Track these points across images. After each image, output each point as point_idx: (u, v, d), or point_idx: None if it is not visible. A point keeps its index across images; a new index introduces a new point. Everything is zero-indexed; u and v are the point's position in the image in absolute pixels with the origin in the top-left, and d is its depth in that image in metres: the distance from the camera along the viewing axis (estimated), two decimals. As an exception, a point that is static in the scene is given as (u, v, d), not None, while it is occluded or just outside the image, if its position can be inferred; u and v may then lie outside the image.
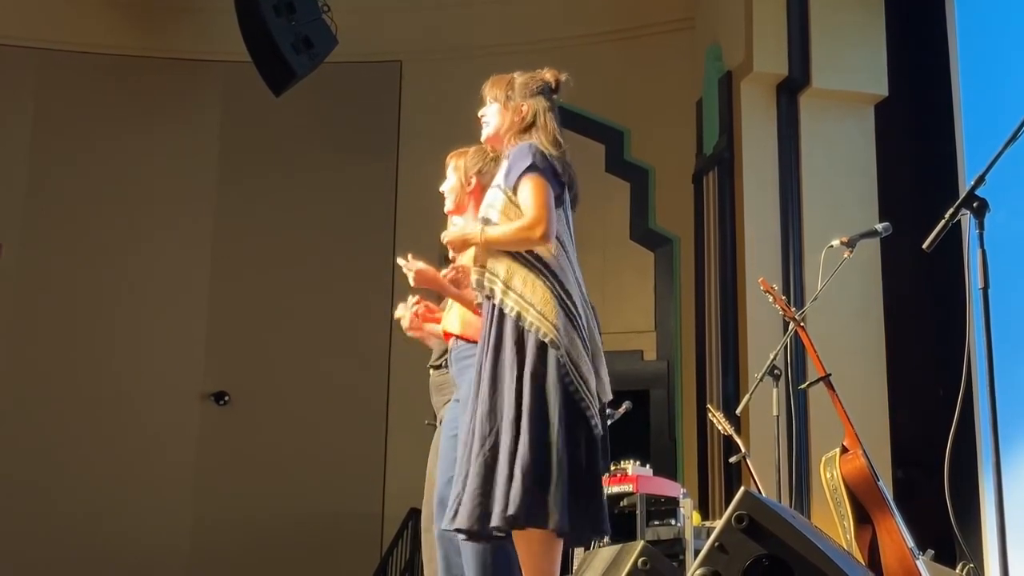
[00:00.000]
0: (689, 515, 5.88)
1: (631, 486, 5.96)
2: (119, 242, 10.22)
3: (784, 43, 8.25)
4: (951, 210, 2.90)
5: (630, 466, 6.03)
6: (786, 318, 5.11)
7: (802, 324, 4.82)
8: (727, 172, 8.47)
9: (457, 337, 3.72)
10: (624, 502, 5.95)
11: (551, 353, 3.15)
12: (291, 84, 9.29)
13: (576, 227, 3.40)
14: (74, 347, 10.01)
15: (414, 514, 8.67)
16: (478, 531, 3.12)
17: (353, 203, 10.41)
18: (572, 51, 9.51)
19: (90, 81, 10.34)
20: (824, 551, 2.76)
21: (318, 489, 9.79)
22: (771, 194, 8.23)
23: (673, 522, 5.94)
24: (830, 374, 4.56)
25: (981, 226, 2.88)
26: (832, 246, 4.82)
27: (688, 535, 5.82)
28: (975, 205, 2.89)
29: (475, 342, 3.51)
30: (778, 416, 5.19)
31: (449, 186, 3.82)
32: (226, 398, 10.12)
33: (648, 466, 6.22)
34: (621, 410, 5.40)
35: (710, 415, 6.33)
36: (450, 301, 3.81)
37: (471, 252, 3.35)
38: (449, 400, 3.86)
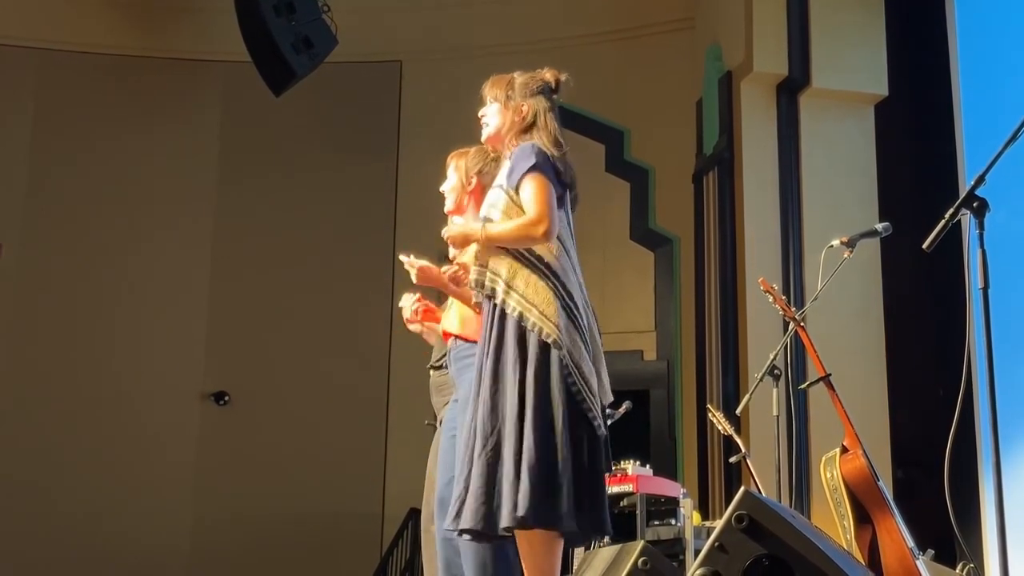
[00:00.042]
0: (689, 515, 5.88)
1: (631, 486, 5.96)
2: (119, 242, 10.22)
3: (784, 43, 8.25)
4: (951, 210, 2.90)
5: (630, 466, 6.03)
6: (786, 318, 5.11)
7: (802, 324, 4.82)
8: (727, 172, 8.47)
9: (456, 337, 3.71)
10: (624, 502, 5.95)
11: (553, 354, 3.16)
12: (291, 84, 9.29)
13: (576, 227, 3.41)
14: (74, 347, 10.01)
15: (414, 514, 8.68)
16: (482, 531, 3.12)
17: (353, 203, 10.41)
18: (572, 51, 9.51)
19: (90, 81, 10.34)
20: (824, 551, 2.76)
21: (318, 489, 9.79)
22: (771, 194, 8.23)
23: (673, 522, 5.94)
24: (830, 374, 4.56)
25: (981, 226, 2.88)
26: (832, 246, 4.82)
27: (688, 535, 5.82)
28: (975, 205, 2.89)
29: (474, 342, 3.51)
30: (778, 416, 5.19)
31: (450, 186, 3.82)
32: (226, 398, 10.12)
33: (648, 466, 6.22)
34: (621, 410, 5.40)
35: (710, 415, 6.33)
36: (450, 300, 3.81)
37: (472, 249, 3.35)
38: (449, 400, 3.86)
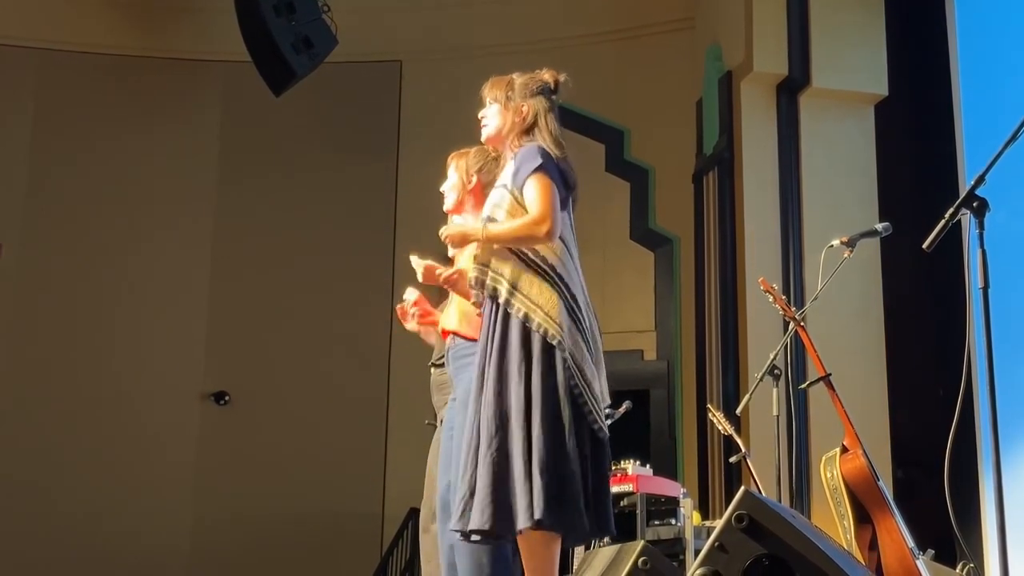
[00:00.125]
0: (689, 515, 5.88)
1: (631, 486, 5.96)
2: (119, 242, 10.22)
3: (784, 43, 8.25)
4: (951, 210, 2.90)
5: (630, 466, 6.03)
6: (786, 318, 5.11)
7: (802, 324, 4.82)
8: (727, 172, 8.47)
9: (455, 334, 3.71)
10: (624, 502, 5.95)
11: (557, 354, 3.16)
12: (291, 84, 9.29)
13: (576, 227, 3.41)
14: (74, 347, 10.01)
15: (414, 514, 8.67)
16: (489, 531, 3.12)
17: (353, 203, 10.41)
18: (572, 51, 9.51)
19: (90, 81, 10.34)
20: (824, 551, 2.76)
21: (318, 489, 9.79)
22: (771, 194, 8.23)
23: (673, 522, 5.94)
24: (830, 374, 4.56)
25: (981, 226, 2.88)
26: (832, 246, 4.82)
27: (688, 535, 5.82)
28: (975, 205, 2.89)
29: (473, 340, 3.51)
30: (778, 416, 5.19)
31: (450, 184, 3.83)
32: (226, 398, 10.12)
33: (648, 466, 6.22)
34: (621, 410, 5.40)
35: (710, 415, 6.33)
36: (450, 297, 3.81)
37: (470, 249, 3.36)
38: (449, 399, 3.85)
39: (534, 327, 3.18)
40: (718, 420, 6.04)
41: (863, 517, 4.26)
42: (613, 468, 5.89)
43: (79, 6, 10.27)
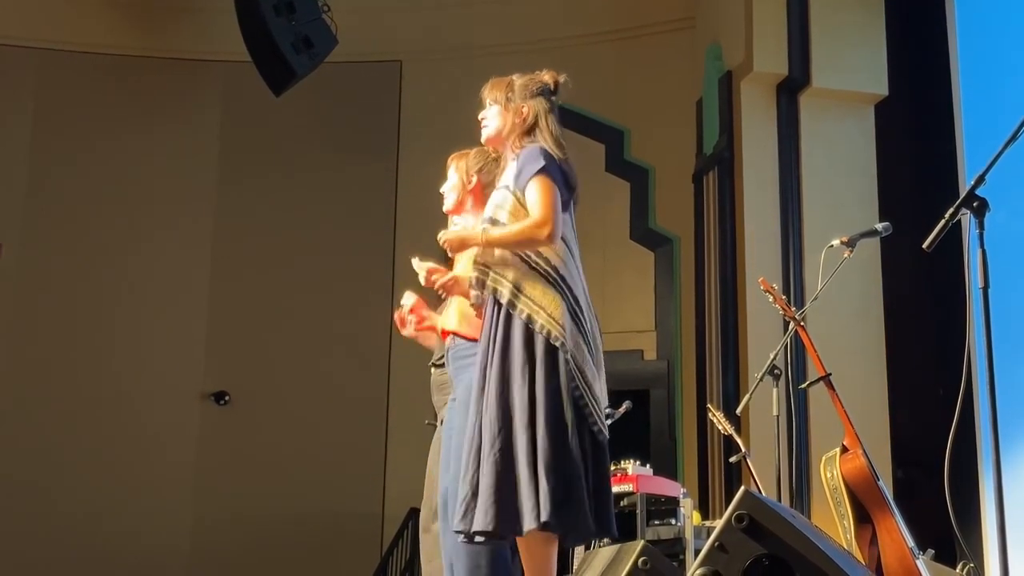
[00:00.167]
0: (689, 515, 5.88)
1: (631, 486, 5.96)
2: (119, 242, 10.22)
3: (784, 43, 8.25)
4: (951, 210, 2.90)
5: (630, 466, 6.03)
6: (786, 318, 5.11)
7: (802, 324, 4.82)
8: (727, 172, 8.47)
9: (454, 335, 3.71)
10: (624, 502, 5.95)
11: (560, 356, 3.17)
12: (291, 84, 9.29)
13: (576, 227, 3.41)
14: (74, 347, 10.01)
15: (414, 514, 8.67)
16: (492, 532, 3.12)
17: (353, 203, 10.41)
18: (572, 51, 9.51)
19: (90, 81, 10.34)
20: (824, 551, 2.76)
21: (318, 489, 9.79)
22: (771, 194, 8.23)
23: (673, 522, 5.94)
24: (830, 374, 4.56)
25: (981, 226, 2.88)
26: (832, 246, 4.82)
27: (688, 535, 5.82)
28: (975, 205, 2.89)
29: (474, 340, 3.51)
30: (778, 416, 5.19)
31: (450, 185, 3.82)
32: (226, 398, 10.12)
33: (648, 466, 6.22)
34: (621, 410, 5.40)
35: (710, 415, 6.33)
36: (450, 298, 3.80)
37: (470, 252, 3.35)
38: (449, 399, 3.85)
39: (537, 328, 3.18)
40: (718, 420, 6.04)
41: (863, 517, 4.26)
42: (613, 468, 5.89)
43: (79, 6, 10.27)
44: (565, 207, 3.32)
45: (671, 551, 5.70)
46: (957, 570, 4.92)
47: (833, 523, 4.34)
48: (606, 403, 3.33)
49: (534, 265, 3.26)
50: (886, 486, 4.38)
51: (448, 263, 3.70)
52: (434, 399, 4.16)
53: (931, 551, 5.15)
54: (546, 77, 3.48)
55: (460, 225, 3.82)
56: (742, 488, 2.87)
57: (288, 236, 10.32)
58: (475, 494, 3.15)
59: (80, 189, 10.25)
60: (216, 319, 10.23)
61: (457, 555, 3.42)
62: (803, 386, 5.48)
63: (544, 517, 3.04)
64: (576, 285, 3.28)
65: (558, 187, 3.28)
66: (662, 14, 9.83)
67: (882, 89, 8.25)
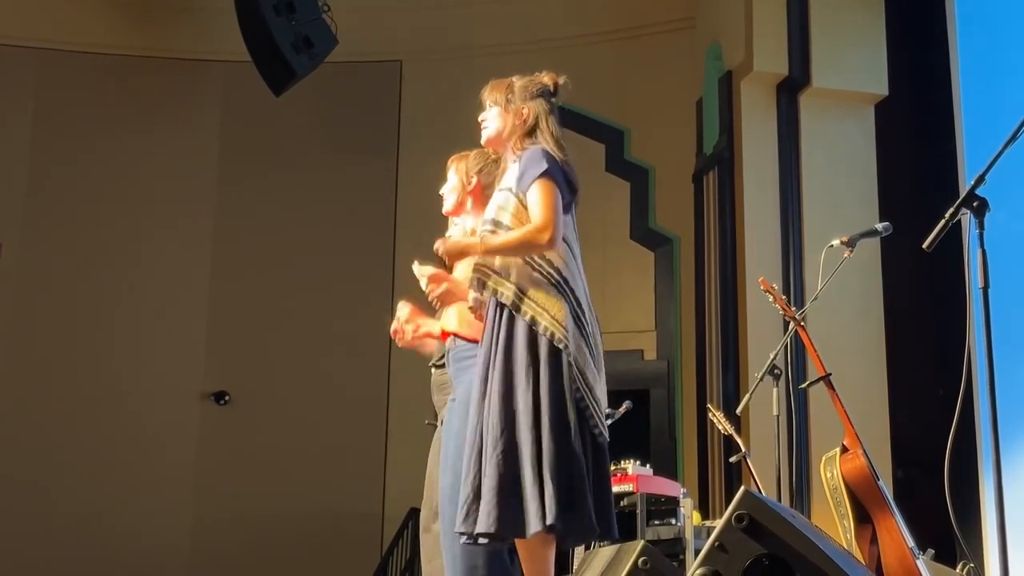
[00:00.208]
0: (689, 515, 5.88)
1: (631, 486, 5.96)
2: (119, 242, 10.22)
3: (784, 43, 8.25)
4: (951, 210, 2.90)
5: (630, 466, 6.04)
6: (786, 318, 5.11)
7: (802, 324, 4.82)
8: (727, 172, 8.47)
9: (455, 335, 3.70)
10: (624, 502, 5.95)
11: (564, 358, 3.16)
12: (291, 84, 9.29)
13: (577, 227, 3.41)
14: (74, 347, 10.01)
15: (414, 514, 8.67)
16: (495, 534, 3.12)
17: (353, 203, 10.41)
18: (572, 51, 9.51)
19: (90, 81, 10.34)
20: (824, 551, 2.76)
21: (318, 489, 9.79)
22: (771, 194, 8.23)
23: (673, 522, 5.94)
24: (830, 374, 4.56)
25: (981, 226, 2.88)
26: (832, 246, 4.82)
27: (688, 535, 5.82)
28: (975, 205, 2.89)
29: (474, 342, 3.51)
30: (778, 416, 5.19)
31: (449, 187, 3.82)
32: (226, 398, 10.12)
33: (648, 466, 6.22)
34: (621, 410, 5.40)
35: (710, 415, 6.33)
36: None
37: (469, 262, 3.35)
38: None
39: (540, 331, 3.18)
40: (718, 420, 6.04)
41: (863, 517, 4.26)
42: (613, 468, 5.90)
43: (79, 6, 10.27)
44: (567, 209, 3.32)
45: (671, 551, 5.71)
46: (957, 570, 4.92)
47: (833, 523, 4.34)
48: (606, 405, 3.33)
49: (537, 267, 3.25)
50: (886, 486, 4.38)
51: (448, 266, 3.70)
52: (434, 399, 4.16)
53: (931, 551, 5.15)
54: (545, 79, 3.48)
55: (460, 226, 3.82)
56: (742, 488, 2.87)
57: (288, 236, 10.32)
58: (477, 496, 3.14)
59: (80, 189, 10.25)
60: (216, 319, 10.23)
61: (453, 556, 3.42)
62: (803, 386, 5.48)
63: (550, 520, 3.03)
64: (578, 287, 3.27)
65: (561, 189, 3.28)
66: (662, 14, 9.83)
67: (882, 89, 8.25)
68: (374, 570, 9.42)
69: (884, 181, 8.18)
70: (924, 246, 2.93)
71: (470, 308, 3.42)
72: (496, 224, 3.31)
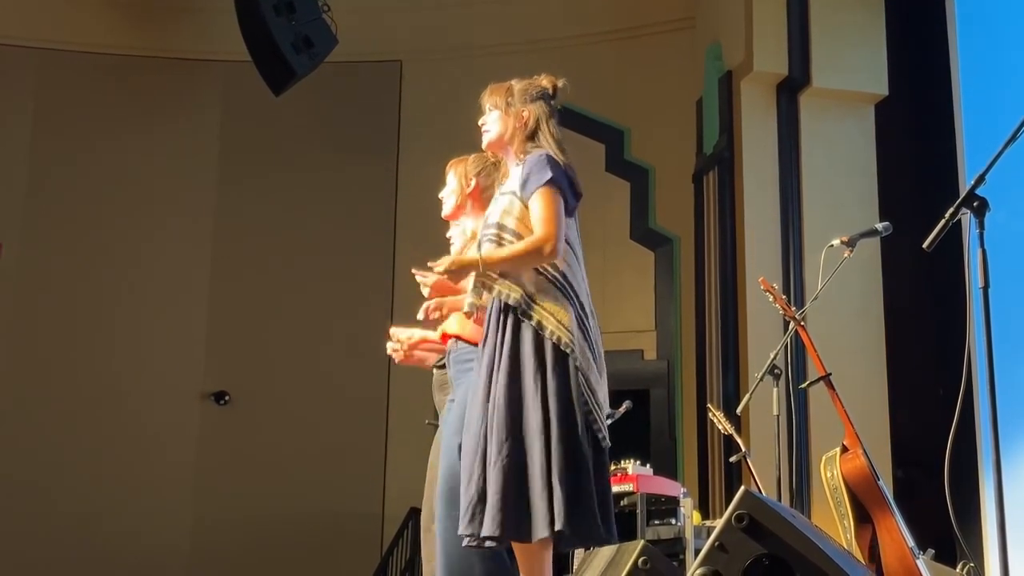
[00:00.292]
0: (689, 514, 5.88)
1: (631, 485, 5.96)
2: (119, 242, 10.22)
3: (784, 43, 8.25)
4: (951, 210, 2.90)
5: (630, 465, 6.04)
6: (786, 317, 5.11)
7: (802, 323, 4.82)
8: (727, 172, 8.47)
9: (456, 338, 3.70)
10: (624, 501, 5.95)
11: (570, 362, 3.16)
12: (291, 84, 9.29)
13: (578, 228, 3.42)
14: (74, 347, 10.01)
15: (414, 514, 8.67)
16: (500, 537, 3.11)
17: (353, 203, 10.41)
18: (572, 51, 9.52)
19: (90, 81, 10.33)
20: (824, 550, 2.76)
21: (318, 489, 9.79)
22: (771, 194, 8.23)
23: (673, 521, 5.94)
24: (830, 373, 4.56)
25: (981, 226, 2.88)
26: (832, 246, 4.82)
27: (688, 534, 5.82)
28: (975, 204, 2.89)
29: (475, 344, 3.51)
30: (778, 415, 5.19)
31: (448, 190, 3.82)
32: (226, 398, 10.12)
33: (648, 465, 6.22)
34: (621, 410, 5.40)
35: (710, 414, 6.33)
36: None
37: (471, 278, 3.34)
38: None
39: (547, 335, 3.17)
40: (718, 420, 6.04)
41: (863, 517, 4.26)
42: (613, 468, 5.90)
43: (79, 6, 10.27)
44: (571, 212, 3.32)
45: (671, 551, 5.71)
46: (957, 570, 4.92)
47: (833, 523, 4.34)
48: (608, 407, 3.33)
49: (541, 271, 3.25)
50: (886, 486, 4.38)
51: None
52: (435, 399, 4.16)
53: (931, 551, 5.15)
54: (544, 82, 3.48)
55: (460, 228, 3.83)
56: (742, 488, 2.87)
57: (288, 236, 10.32)
58: (481, 499, 3.13)
59: (80, 189, 10.25)
60: (216, 319, 10.23)
61: (450, 556, 3.41)
62: (803, 386, 5.48)
63: (559, 526, 3.03)
64: (581, 291, 3.28)
65: (565, 196, 3.28)
66: (662, 14, 9.83)
67: (882, 89, 8.25)
68: (374, 570, 9.42)
69: (884, 181, 8.18)
70: (924, 246, 2.93)
71: (465, 314, 3.41)
72: (501, 228, 3.31)
